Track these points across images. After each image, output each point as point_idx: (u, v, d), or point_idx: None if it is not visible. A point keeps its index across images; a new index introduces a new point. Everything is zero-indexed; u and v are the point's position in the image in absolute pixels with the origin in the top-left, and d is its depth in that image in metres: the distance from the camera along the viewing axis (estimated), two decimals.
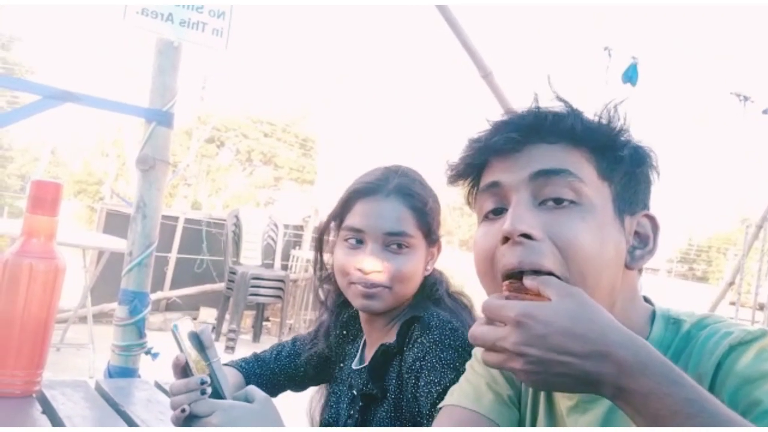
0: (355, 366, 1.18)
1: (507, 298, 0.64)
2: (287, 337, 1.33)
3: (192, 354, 0.83)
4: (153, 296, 5.84)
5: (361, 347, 1.22)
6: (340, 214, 1.14)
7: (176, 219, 6.03)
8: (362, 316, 1.18)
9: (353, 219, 1.10)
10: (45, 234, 1.10)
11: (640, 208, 0.73)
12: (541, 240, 0.65)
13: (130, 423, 1.01)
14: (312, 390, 1.33)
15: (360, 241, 1.09)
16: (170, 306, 5.96)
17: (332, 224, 1.17)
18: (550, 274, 0.65)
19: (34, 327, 1.06)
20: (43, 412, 1.00)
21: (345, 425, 1.14)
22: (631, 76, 3.28)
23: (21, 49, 20.89)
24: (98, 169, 19.76)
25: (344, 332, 1.26)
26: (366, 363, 1.15)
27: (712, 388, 0.62)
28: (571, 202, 0.67)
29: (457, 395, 0.83)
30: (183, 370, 0.83)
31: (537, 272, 0.65)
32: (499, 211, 0.71)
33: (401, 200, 1.09)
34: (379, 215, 1.08)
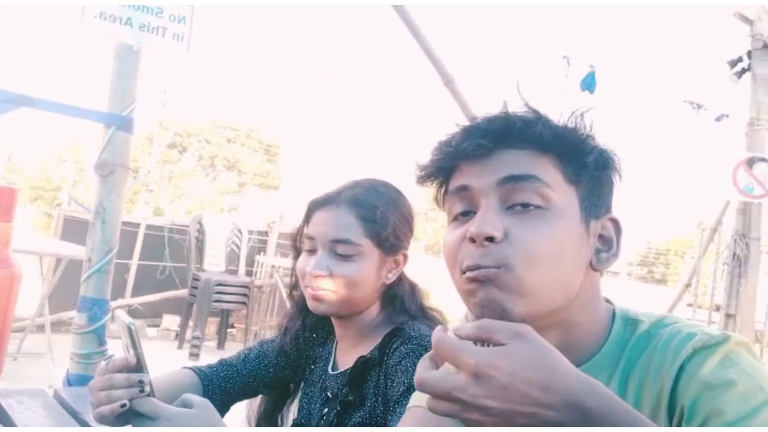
0: (330, 370, 1.22)
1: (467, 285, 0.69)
2: (253, 344, 1.34)
3: (129, 346, 0.84)
4: (114, 303, 5.74)
5: (333, 351, 1.25)
6: (305, 221, 1.20)
7: (137, 225, 5.92)
8: (334, 320, 1.22)
9: (310, 227, 1.17)
10: (0, 240, 1.08)
11: (605, 212, 0.75)
12: (501, 242, 0.68)
13: (90, 430, 0.99)
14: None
15: (314, 248, 1.15)
16: (132, 313, 5.84)
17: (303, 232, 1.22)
18: (502, 266, 0.67)
19: None
20: None
21: (317, 425, 1.17)
22: (589, 83, 3.36)
23: None
24: (56, 175, 19.27)
25: (313, 335, 1.29)
26: (340, 368, 1.19)
27: (674, 390, 0.64)
28: (538, 207, 0.69)
29: (419, 396, 0.84)
30: (120, 365, 0.86)
31: (492, 267, 0.67)
32: (467, 213, 0.73)
33: (350, 209, 1.14)
34: (327, 223, 1.14)
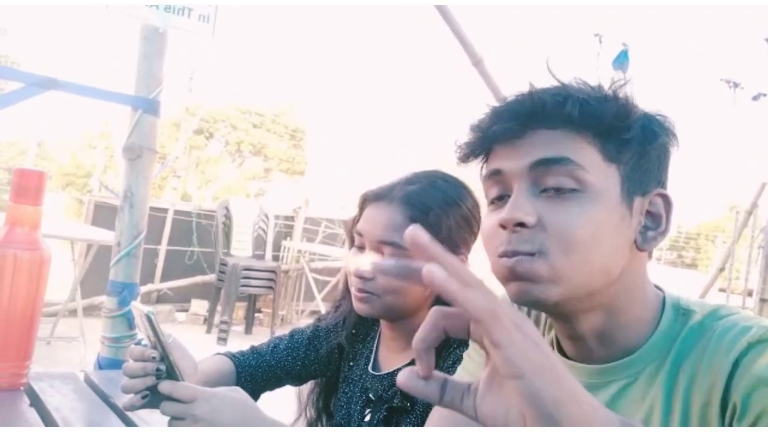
0: (371, 370, 1.17)
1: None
2: (280, 328, 1.32)
3: (150, 335, 0.84)
4: (143, 289, 5.81)
5: (375, 350, 1.20)
6: (358, 214, 1.14)
7: (166, 211, 5.99)
8: (383, 322, 1.17)
9: (360, 222, 1.11)
10: (29, 223, 1.08)
11: (654, 186, 0.71)
12: (534, 227, 0.66)
13: (120, 415, 0.99)
14: None
15: (362, 245, 1.09)
16: (161, 298, 5.93)
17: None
18: (537, 252, 0.66)
19: (20, 318, 1.04)
20: (31, 405, 0.98)
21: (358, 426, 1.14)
22: (622, 62, 3.27)
23: (6, 42, 20.62)
24: (86, 162, 19.60)
25: (353, 331, 1.24)
26: (383, 370, 1.15)
27: (728, 385, 0.61)
28: (572, 190, 0.66)
29: None
30: (138, 354, 0.85)
31: (527, 254, 0.66)
32: (502, 198, 0.71)
33: (401, 209, 1.06)
34: (376, 222, 1.07)
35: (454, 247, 1.09)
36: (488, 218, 0.72)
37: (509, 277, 0.67)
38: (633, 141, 0.68)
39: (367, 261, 1.06)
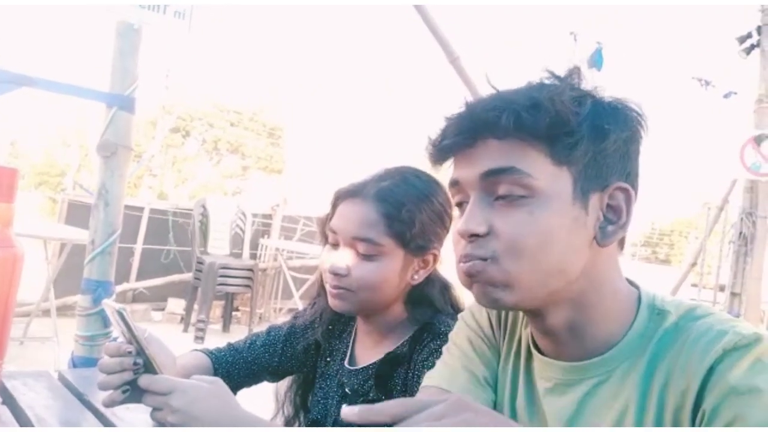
0: (347, 365, 1.18)
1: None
2: (258, 327, 1.32)
3: (125, 332, 0.84)
4: (119, 288, 5.74)
5: (351, 345, 1.21)
6: (331, 211, 1.14)
7: (141, 209, 5.92)
8: (358, 317, 1.18)
9: (334, 219, 1.11)
10: (1, 221, 1.06)
11: (615, 180, 0.71)
12: (487, 236, 0.69)
13: (95, 412, 0.99)
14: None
15: (336, 242, 1.10)
16: (137, 297, 5.87)
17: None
18: (489, 257, 0.69)
19: None
20: (4, 403, 0.97)
21: (335, 423, 1.14)
22: (596, 60, 3.31)
23: None
24: (60, 160, 19.27)
25: (330, 327, 1.25)
26: (359, 364, 1.16)
27: (701, 391, 0.62)
28: (521, 197, 0.68)
29: (434, 377, 0.85)
30: (113, 350, 0.85)
31: (480, 259, 0.69)
32: (461, 204, 0.74)
33: (375, 205, 1.07)
34: (350, 218, 1.08)
35: (427, 242, 1.09)
36: (454, 225, 0.76)
37: (468, 281, 0.71)
38: (582, 142, 0.69)
39: (341, 257, 1.07)
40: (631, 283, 0.76)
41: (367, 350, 1.17)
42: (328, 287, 1.10)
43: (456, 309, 1.16)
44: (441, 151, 0.74)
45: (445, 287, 1.17)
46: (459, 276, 0.72)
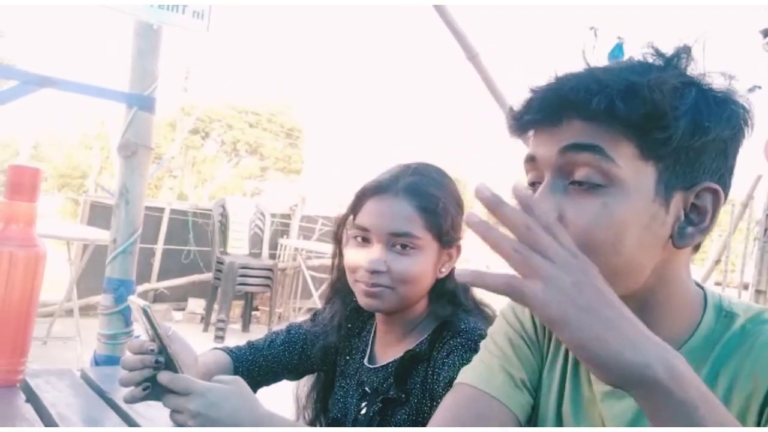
0: (367, 363, 1.17)
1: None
2: (277, 326, 1.31)
3: (148, 329, 0.84)
4: (140, 288, 5.81)
5: (371, 343, 1.20)
6: (353, 210, 1.13)
7: (162, 210, 5.98)
8: (378, 315, 1.17)
9: (362, 217, 1.10)
10: (24, 220, 1.07)
11: (704, 179, 0.65)
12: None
13: (117, 410, 0.99)
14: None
15: (366, 240, 1.09)
16: (158, 297, 5.92)
17: (348, 219, 1.16)
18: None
19: (15, 315, 1.03)
20: (27, 401, 0.98)
21: (354, 422, 1.13)
22: (617, 56, 3.26)
23: (3, 45, 20.59)
24: (82, 163, 19.53)
25: (349, 325, 1.24)
26: (379, 363, 1.15)
27: (767, 397, 0.60)
28: (598, 186, 0.63)
29: (468, 374, 0.81)
30: (136, 347, 0.86)
31: None
32: (534, 185, 0.69)
33: (410, 200, 1.07)
34: (384, 214, 1.07)
35: (455, 234, 1.10)
36: None
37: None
38: (675, 138, 0.63)
39: (377, 254, 1.06)
40: (696, 283, 0.72)
41: (387, 348, 1.16)
42: (361, 287, 1.09)
43: (477, 304, 1.16)
44: (521, 125, 0.69)
45: None
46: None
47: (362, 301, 1.10)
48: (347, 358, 1.23)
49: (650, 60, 0.67)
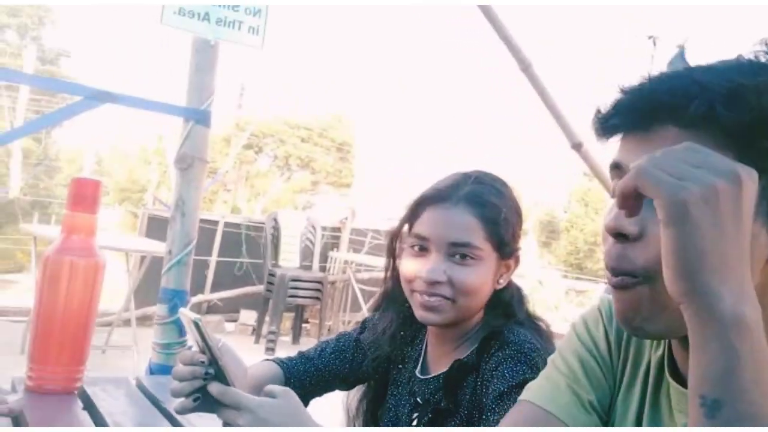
0: (419, 374, 1.15)
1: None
2: (330, 337, 1.30)
3: (199, 341, 0.84)
4: (194, 299, 5.94)
5: (422, 353, 1.18)
6: (409, 219, 1.11)
7: (216, 223, 6.11)
8: (430, 329, 1.15)
9: (420, 226, 1.07)
10: (85, 231, 1.10)
11: None
12: (637, 243, 0.58)
13: (171, 419, 0.99)
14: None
15: (424, 249, 1.06)
16: (211, 309, 6.03)
17: (403, 229, 1.14)
18: (640, 275, 0.58)
19: (74, 324, 1.05)
20: (84, 409, 1.00)
21: None
22: (677, 66, 3.15)
23: (68, 64, 21.69)
24: (141, 177, 20.22)
25: (401, 332, 1.21)
26: (431, 373, 1.13)
27: None
28: None
29: (533, 391, 0.77)
30: (187, 358, 0.85)
31: (629, 275, 0.58)
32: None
33: (470, 209, 1.04)
34: (445, 224, 1.04)
35: (515, 245, 1.08)
36: (606, 214, 0.63)
37: (613, 291, 0.61)
38: None
39: (437, 264, 1.03)
40: None
41: (440, 358, 1.13)
42: (418, 298, 1.06)
43: (530, 316, 1.12)
44: (607, 129, 0.63)
45: (520, 292, 1.14)
46: (610, 282, 0.61)
47: (419, 314, 1.07)
48: (399, 366, 1.21)
49: (763, 59, 0.60)
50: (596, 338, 0.77)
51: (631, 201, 0.53)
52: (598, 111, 0.64)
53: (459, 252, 1.04)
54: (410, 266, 1.07)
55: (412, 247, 1.08)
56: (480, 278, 1.04)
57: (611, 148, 0.67)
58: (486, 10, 2.19)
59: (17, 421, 0.91)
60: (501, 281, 1.09)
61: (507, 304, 1.10)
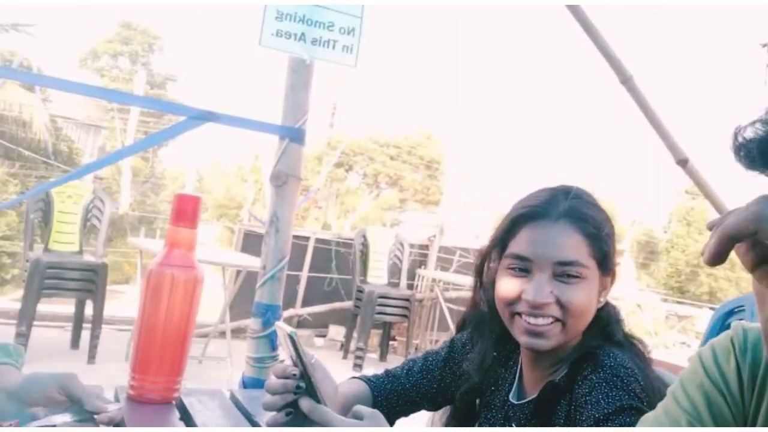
0: (512, 398, 1.10)
1: None
2: (418, 355, 1.27)
3: (293, 355, 0.83)
4: (286, 313, 6.07)
5: (517, 376, 1.12)
6: (502, 239, 1.06)
7: (307, 239, 6.24)
8: (524, 351, 1.09)
9: (518, 245, 1.02)
10: (185, 245, 1.13)
11: None
12: None
13: None
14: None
15: (525, 270, 1.00)
16: (301, 323, 6.15)
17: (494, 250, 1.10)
18: None
19: (174, 335, 1.08)
20: (181, 419, 1.02)
21: None
22: None
23: (174, 88, 23.20)
24: (238, 195, 21.13)
25: (494, 353, 1.16)
26: (528, 397, 1.07)
27: None
28: None
29: (648, 424, 0.72)
30: (279, 372, 0.86)
31: None
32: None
33: (573, 225, 0.99)
34: (548, 242, 0.99)
35: (614, 261, 1.04)
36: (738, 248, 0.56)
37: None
38: None
39: (541, 284, 0.98)
40: None
41: (535, 382, 1.07)
42: (522, 323, 1.00)
43: (627, 337, 1.05)
44: (751, 159, 0.56)
45: (617, 311, 1.07)
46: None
47: (524, 339, 1.01)
48: (492, 389, 1.15)
49: None
50: (726, 373, 0.69)
51: (735, 243, 0.49)
52: (736, 132, 0.57)
53: (566, 271, 0.98)
54: (510, 288, 1.01)
55: (511, 267, 1.03)
56: (588, 297, 0.99)
57: (721, 165, 0.60)
58: (585, 24, 2.11)
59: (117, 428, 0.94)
60: (601, 299, 1.03)
61: (605, 324, 1.04)
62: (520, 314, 1.00)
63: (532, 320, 0.99)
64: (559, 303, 0.98)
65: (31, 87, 15.67)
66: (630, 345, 1.04)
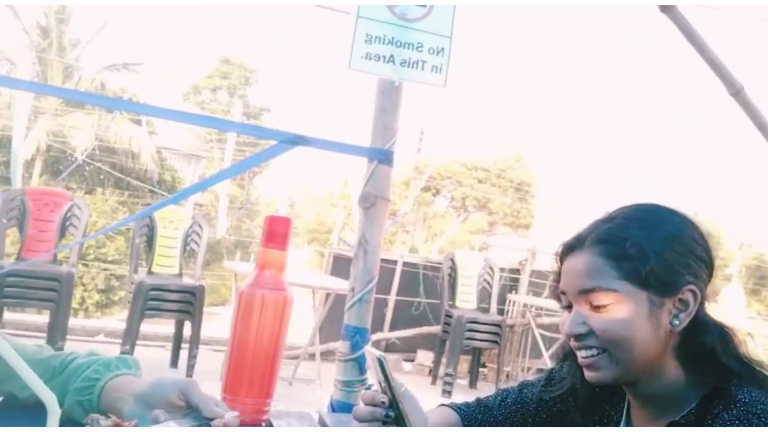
0: None
1: None
2: (504, 385, 1.21)
3: (381, 380, 0.81)
4: (374, 337, 6.08)
5: (625, 412, 1.05)
6: (558, 275, 1.03)
7: (395, 262, 6.24)
8: (625, 387, 1.03)
9: (561, 280, 1.00)
10: (276, 266, 1.13)
11: None
12: None
13: None
14: None
15: (568, 305, 0.99)
16: (389, 347, 6.12)
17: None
18: None
19: (264, 356, 1.08)
20: None
21: None
22: None
23: (269, 118, 24.30)
24: (328, 219, 21.62)
25: (596, 389, 1.08)
26: None
27: None
28: None
29: None
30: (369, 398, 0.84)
31: None
32: None
33: (595, 250, 0.95)
34: (572, 272, 0.97)
35: (675, 276, 0.92)
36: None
37: None
38: None
39: (575, 317, 0.96)
40: None
41: (647, 420, 0.99)
42: (578, 357, 0.98)
43: (745, 361, 0.93)
44: None
45: (723, 332, 0.95)
46: None
47: (586, 374, 0.98)
48: (596, 426, 1.08)
49: None
50: None
51: None
52: None
53: (590, 299, 0.94)
54: (562, 324, 1.00)
55: (561, 303, 1.01)
56: (624, 322, 0.92)
57: None
58: (689, 36, 1.98)
59: None
60: (676, 322, 0.93)
61: (709, 350, 0.93)
62: (575, 349, 0.98)
63: (581, 354, 0.96)
64: (595, 332, 0.94)
65: (138, 120, 16.82)
66: (758, 374, 0.93)
